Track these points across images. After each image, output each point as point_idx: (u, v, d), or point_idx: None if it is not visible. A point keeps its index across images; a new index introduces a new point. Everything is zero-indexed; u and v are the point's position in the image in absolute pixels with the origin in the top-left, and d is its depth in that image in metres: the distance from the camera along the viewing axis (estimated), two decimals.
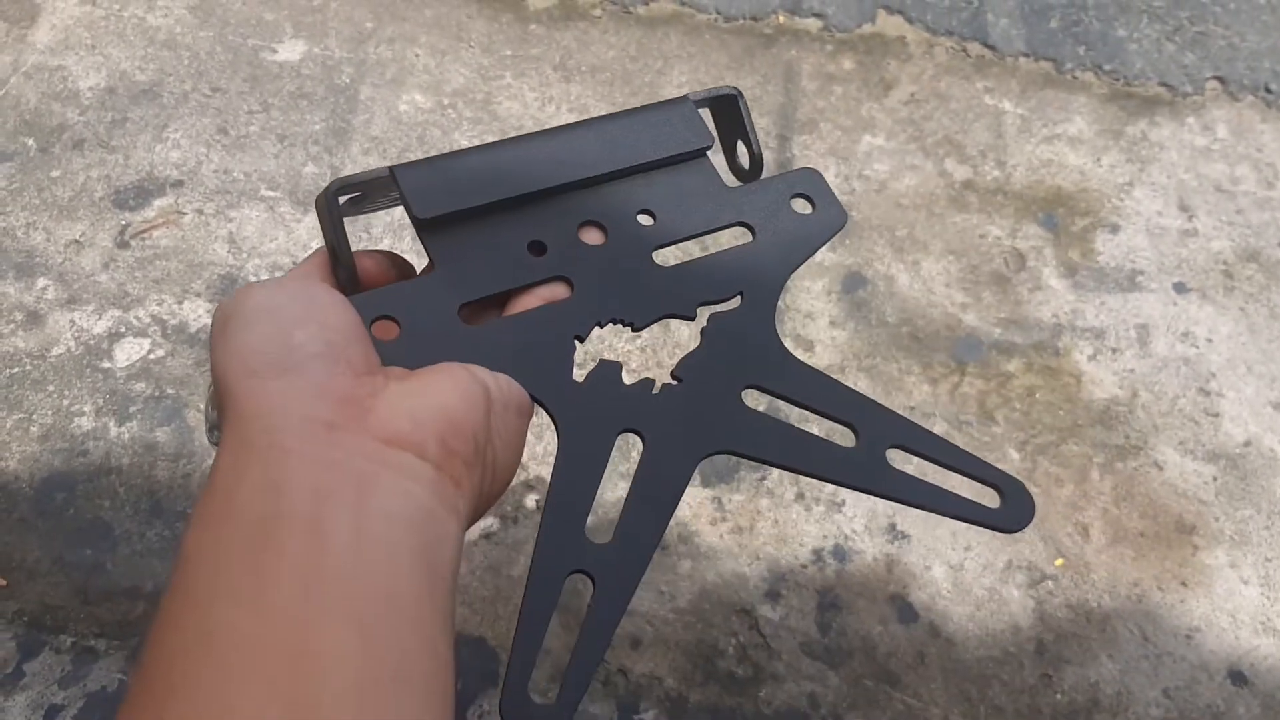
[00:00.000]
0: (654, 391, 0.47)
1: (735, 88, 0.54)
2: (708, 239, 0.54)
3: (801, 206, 0.53)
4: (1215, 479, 1.53)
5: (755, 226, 0.52)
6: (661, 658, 1.39)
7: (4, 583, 1.43)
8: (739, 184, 0.54)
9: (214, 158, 1.78)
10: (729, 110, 0.54)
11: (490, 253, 0.47)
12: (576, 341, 0.47)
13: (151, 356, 1.59)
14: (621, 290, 0.48)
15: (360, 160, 1.78)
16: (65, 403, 1.55)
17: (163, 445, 1.53)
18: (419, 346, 0.44)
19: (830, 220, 0.53)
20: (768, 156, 1.82)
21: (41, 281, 1.65)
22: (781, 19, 2.00)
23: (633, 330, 0.48)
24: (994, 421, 1.57)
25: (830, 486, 1.51)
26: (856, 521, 1.49)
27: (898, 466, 0.51)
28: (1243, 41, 2.00)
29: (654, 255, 0.50)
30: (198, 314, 1.63)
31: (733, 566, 1.45)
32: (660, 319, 0.49)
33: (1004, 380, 1.61)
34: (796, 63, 1.94)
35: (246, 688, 0.30)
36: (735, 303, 0.50)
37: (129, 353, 1.59)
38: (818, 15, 2.01)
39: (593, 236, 0.49)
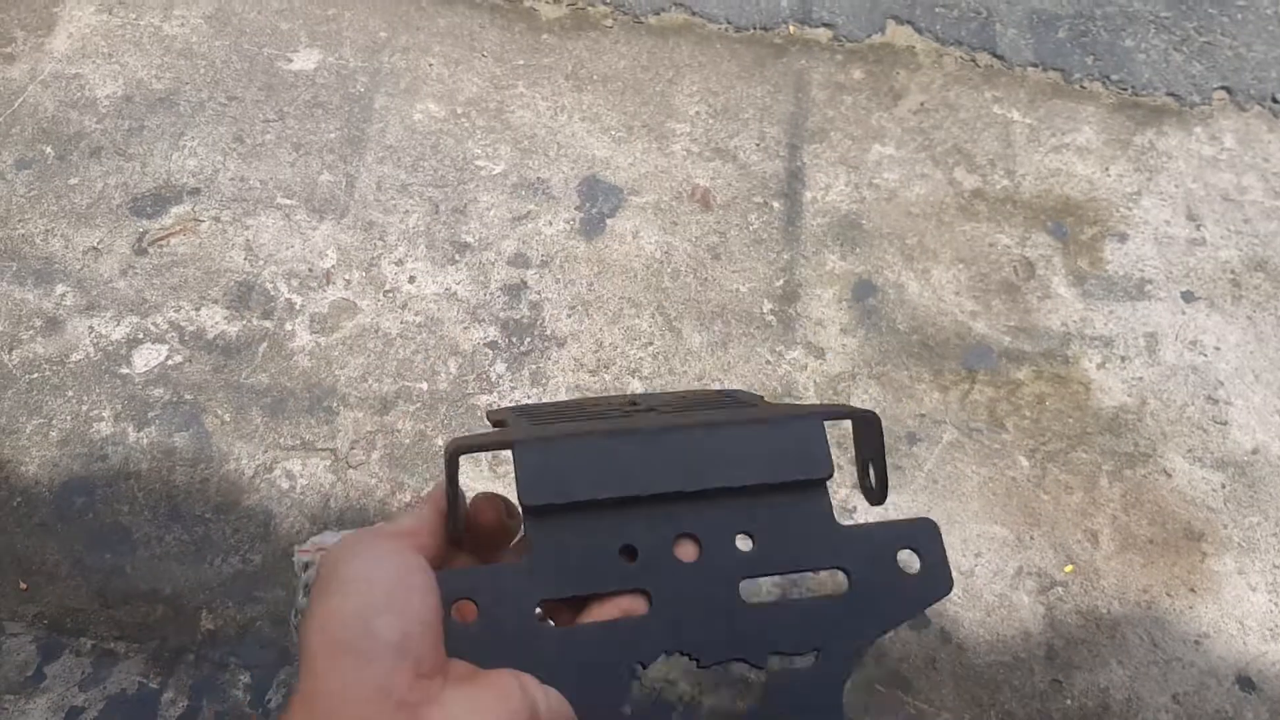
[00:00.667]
0: None
1: (875, 412, 0.50)
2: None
3: (908, 561, 0.49)
4: (1224, 486, 1.55)
5: (854, 575, 0.48)
6: (674, 662, 1.40)
7: (24, 586, 1.45)
8: (847, 524, 0.50)
9: (230, 166, 1.80)
10: (867, 431, 0.51)
11: (584, 550, 0.46)
12: (639, 666, 0.46)
13: (169, 362, 1.61)
14: (698, 618, 0.46)
15: (376, 169, 1.80)
16: (84, 408, 1.57)
17: (181, 450, 1.54)
18: (491, 638, 0.45)
19: (934, 585, 0.48)
20: (777, 165, 1.84)
21: (60, 288, 1.66)
22: (792, 29, 2.02)
23: (698, 666, 0.46)
24: (1004, 429, 1.58)
25: (843, 493, 1.52)
26: None
27: None
28: (1250, 52, 2.02)
29: (741, 584, 0.47)
30: (215, 320, 1.64)
31: None
32: (729, 661, 0.46)
33: (1014, 388, 1.62)
34: (807, 72, 1.96)
35: None
36: (810, 658, 0.47)
37: (147, 359, 1.61)
38: (828, 25, 2.02)
39: (686, 551, 0.47)
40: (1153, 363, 1.65)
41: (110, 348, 1.62)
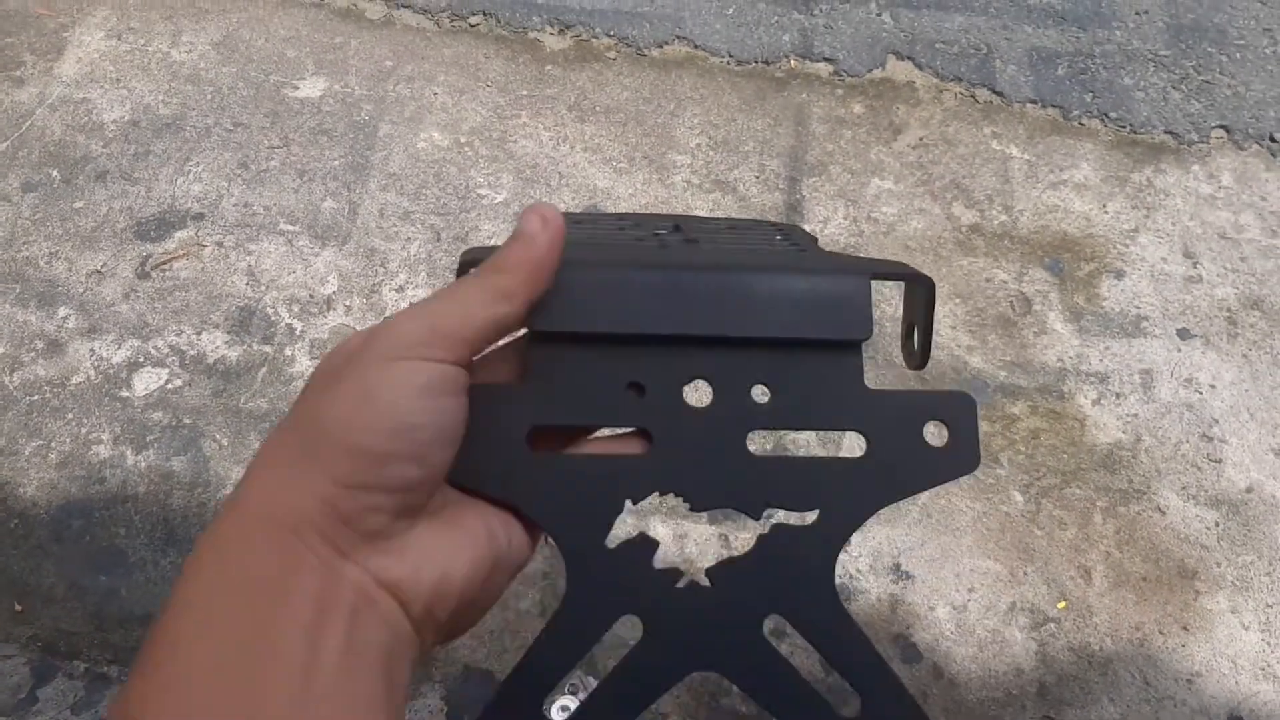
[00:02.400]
0: (678, 584, 0.43)
1: (930, 278, 0.47)
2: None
3: (935, 434, 0.45)
4: (1217, 524, 1.55)
5: (873, 441, 0.44)
6: (667, 694, 1.40)
7: (19, 608, 1.45)
8: (876, 389, 0.45)
9: (234, 191, 1.81)
10: (920, 296, 0.48)
11: (588, 382, 0.43)
12: (629, 503, 0.43)
13: (169, 386, 1.62)
14: (698, 462, 0.43)
15: (379, 196, 1.81)
16: (84, 430, 1.58)
17: (179, 474, 1.55)
18: (475, 457, 0.42)
19: (960, 462, 0.45)
20: (777, 198, 1.85)
21: (62, 310, 1.68)
22: (793, 63, 2.04)
23: (689, 509, 0.43)
24: (998, 464, 1.59)
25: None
26: (861, 561, 1.50)
27: None
28: (1248, 91, 2.03)
29: (750, 435, 0.44)
30: (216, 345, 1.65)
31: None
32: (723, 507, 0.44)
33: (1009, 423, 1.63)
34: (807, 106, 1.98)
35: None
36: (811, 518, 0.44)
37: (147, 382, 1.62)
38: (828, 60, 2.04)
39: (698, 395, 0.44)
40: (1148, 399, 1.66)
41: (111, 371, 1.63)
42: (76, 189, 1.81)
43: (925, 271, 0.48)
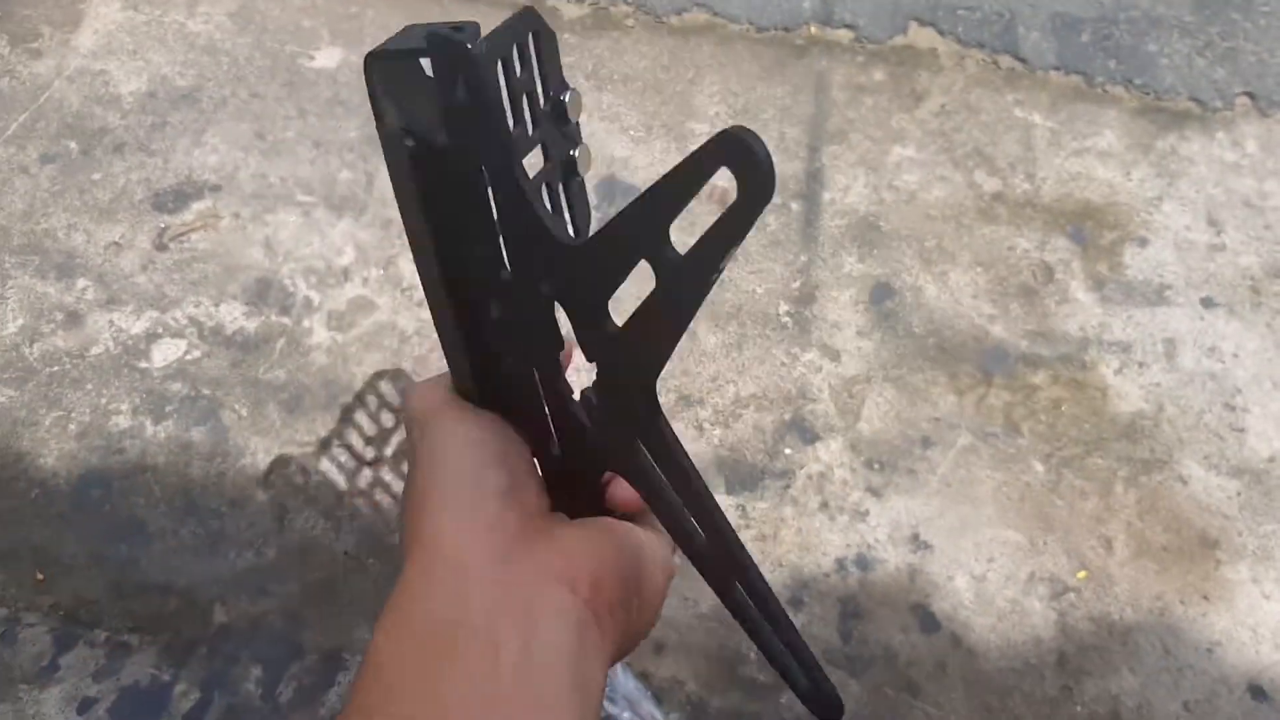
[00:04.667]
0: (574, 396, 0.48)
1: None
2: None
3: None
4: (1239, 494, 1.54)
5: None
6: (684, 662, 1.40)
7: (41, 577, 1.46)
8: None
9: (251, 162, 1.81)
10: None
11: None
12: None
13: (188, 357, 1.62)
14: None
15: None
16: (103, 401, 1.58)
17: (197, 444, 1.55)
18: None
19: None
20: (797, 166, 1.83)
21: (81, 282, 1.68)
22: (813, 30, 2.02)
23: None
24: (1019, 433, 1.58)
25: (855, 496, 1.52)
26: (880, 531, 1.50)
27: None
28: (1273, 57, 2.00)
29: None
30: (234, 316, 1.65)
31: None
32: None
33: (1030, 392, 1.62)
34: (827, 74, 1.96)
35: None
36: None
37: (166, 353, 1.62)
38: (849, 27, 2.02)
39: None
40: (1171, 369, 1.64)
41: (129, 342, 1.63)
42: (94, 160, 1.81)
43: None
